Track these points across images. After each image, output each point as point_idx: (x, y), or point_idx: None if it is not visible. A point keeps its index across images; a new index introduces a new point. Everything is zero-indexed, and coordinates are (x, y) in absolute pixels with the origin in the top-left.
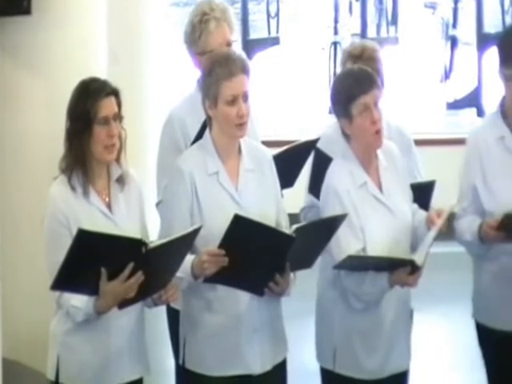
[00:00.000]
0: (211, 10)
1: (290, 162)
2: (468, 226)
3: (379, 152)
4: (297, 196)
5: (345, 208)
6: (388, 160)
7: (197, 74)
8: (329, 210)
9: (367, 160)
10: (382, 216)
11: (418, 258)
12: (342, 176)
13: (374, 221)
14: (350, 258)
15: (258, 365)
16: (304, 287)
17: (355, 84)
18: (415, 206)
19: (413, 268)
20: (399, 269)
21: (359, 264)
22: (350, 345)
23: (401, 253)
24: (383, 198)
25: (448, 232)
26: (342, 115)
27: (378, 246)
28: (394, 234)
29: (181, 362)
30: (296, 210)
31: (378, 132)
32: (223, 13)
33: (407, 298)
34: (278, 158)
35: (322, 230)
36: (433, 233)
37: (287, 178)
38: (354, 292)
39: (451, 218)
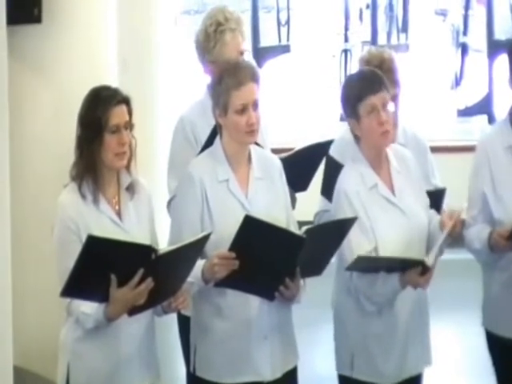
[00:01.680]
0: (226, 21)
1: (302, 164)
2: (477, 234)
3: (391, 156)
4: (309, 203)
5: (354, 209)
6: (401, 164)
7: (207, 79)
8: (339, 211)
9: (377, 162)
10: (394, 217)
11: (428, 258)
12: (352, 178)
13: (385, 221)
14: (360, 258)
15: (269, 371)
16: (314, 295)
17: (364, 84)
18: (432, 211)
19: (424, 269)
20: (410, 269)
21: (370, 265)
22: (367, 349)
23: (415, 254)
24: (395, 200)
25: (458, 239)
26: (350, 115)
27: (390, 246)
28: (407, 236)
29: (192, 369)
30: (308, 218)
31: (384, 133)
32: (237, 23)
33: (423, 300)
34: (288, 160)
35: (332, 233)
36: (443, 235)
37: (300, 181)
38: (365, 293)
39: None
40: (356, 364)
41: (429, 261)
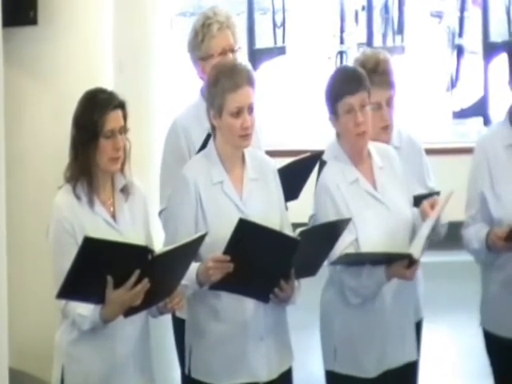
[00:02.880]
0: (214, 15)
1: (294, 175)
2: (475, 234)
3: (373, 152)
4: (302, 205)
5: (335, 202)
6: (384, 161)
7: (201, 82)
8: (320, 206)
9: (358, 158)
10: (376, 210)
11: (414, 251)
12: (333, 173)
13: (367, 214)
14: (347, 255)
15: (265, 372)
16: (309, 298)
17: (343, 84)
18: (415, 209)
19: (410, 261)
20: (396, 262)
21: (356, 260)
22: (349, 343)
23: (398, 247)
24: (377, 194)
25: (454, 240)
26: (330, 112)
27: (372, 238)
28: (390, 229)
29: (187, 371)
30: (301, 220)
31: (360, 134)
32: (227, 18)
33: (409, 294)
34: (282, 172)
35: (325, 234)
36: (429, 223)
37: (292, 191)
38: (351, 286)
39: (457, 225)
40: (338, 358)
41: (416, 254)
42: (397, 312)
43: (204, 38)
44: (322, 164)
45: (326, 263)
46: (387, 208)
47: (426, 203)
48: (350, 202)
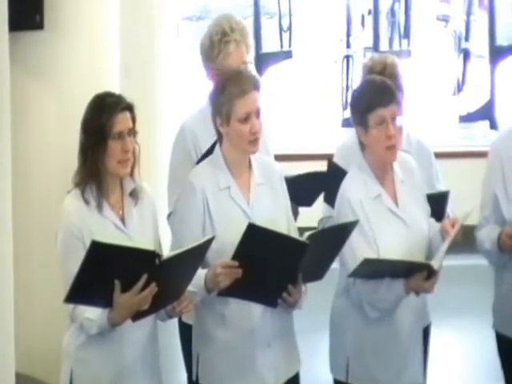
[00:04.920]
0: (232, 31)
1: (310, 184)
2: (488, 234)
3: (395, 164)
4: (311, 209)
5: (357, 217)
6: (405, 173)
7: (209, 86)
8: (341, 218)
9: (382, 171)
10: (396, 228)
11: (434, 262)
12: (356, 187)
13: (388, 232)
14: (367, 261)
15: (272, 378)
16: (316, 302)
17: (376, 95)
18: (431, 219)
19: (429, 273)
20: (415, 274)
21: (375, 269)
22: (363, 356)
23: None
24: (398, 211)
25: (464, 244)
26: (358, 123)
27: (391, 256)
28: (409, 247)
29: (194, 377)
30: (310, 224)
31: (390, 147)
32: (242, 34)
33: (422, 311)
34: (295, 181)
35: (334, 237)
36: (447, 241)
37: (305, 198)
38: (369, 300)
39: (467, 229)
40: (351, 369)
41: (435, 264)
42: (414, 327)
43: (220, 53)
44: (334, 169)
45: (338, 269)
46: (407, 225)
47: (447, 222)
48: (372, 219)
